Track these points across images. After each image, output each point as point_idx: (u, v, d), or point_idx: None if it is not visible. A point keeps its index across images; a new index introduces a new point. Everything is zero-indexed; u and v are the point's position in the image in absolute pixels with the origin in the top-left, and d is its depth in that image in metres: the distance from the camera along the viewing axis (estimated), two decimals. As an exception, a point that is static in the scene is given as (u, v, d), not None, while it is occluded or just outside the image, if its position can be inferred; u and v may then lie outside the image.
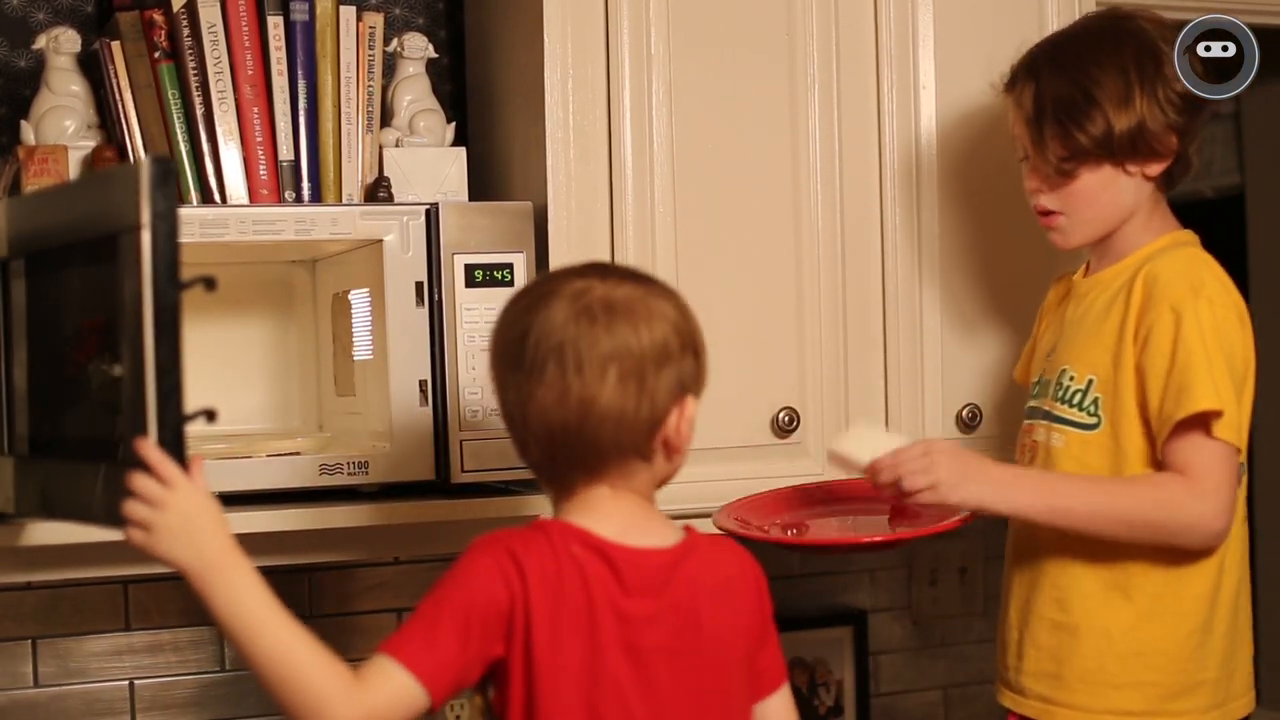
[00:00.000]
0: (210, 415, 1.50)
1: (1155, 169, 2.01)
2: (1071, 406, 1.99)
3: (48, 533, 1.97)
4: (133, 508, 1.49)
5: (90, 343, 1.68)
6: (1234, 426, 1.88)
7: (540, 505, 2.14)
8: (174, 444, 1.50)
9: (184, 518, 1.49)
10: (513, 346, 1.57)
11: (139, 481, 1.49)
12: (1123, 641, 1.94)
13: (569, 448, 1.57)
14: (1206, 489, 1.88)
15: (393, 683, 1.49)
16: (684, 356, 1.60)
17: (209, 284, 1.53)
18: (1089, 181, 2.00)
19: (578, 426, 1.55)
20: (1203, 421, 1.87)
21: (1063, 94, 1.99)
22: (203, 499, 1.51)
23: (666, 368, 1.58)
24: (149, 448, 1.49)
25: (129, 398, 1.53)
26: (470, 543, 1.58)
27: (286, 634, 1.49)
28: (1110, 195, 2.01)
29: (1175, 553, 1.91)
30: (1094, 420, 1.96)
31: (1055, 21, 2.44)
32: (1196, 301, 1.90)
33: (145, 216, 1.50)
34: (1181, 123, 1.99)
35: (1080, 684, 1.95)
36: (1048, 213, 2.05)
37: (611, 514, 1.60)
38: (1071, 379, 1.99)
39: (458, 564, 1.56)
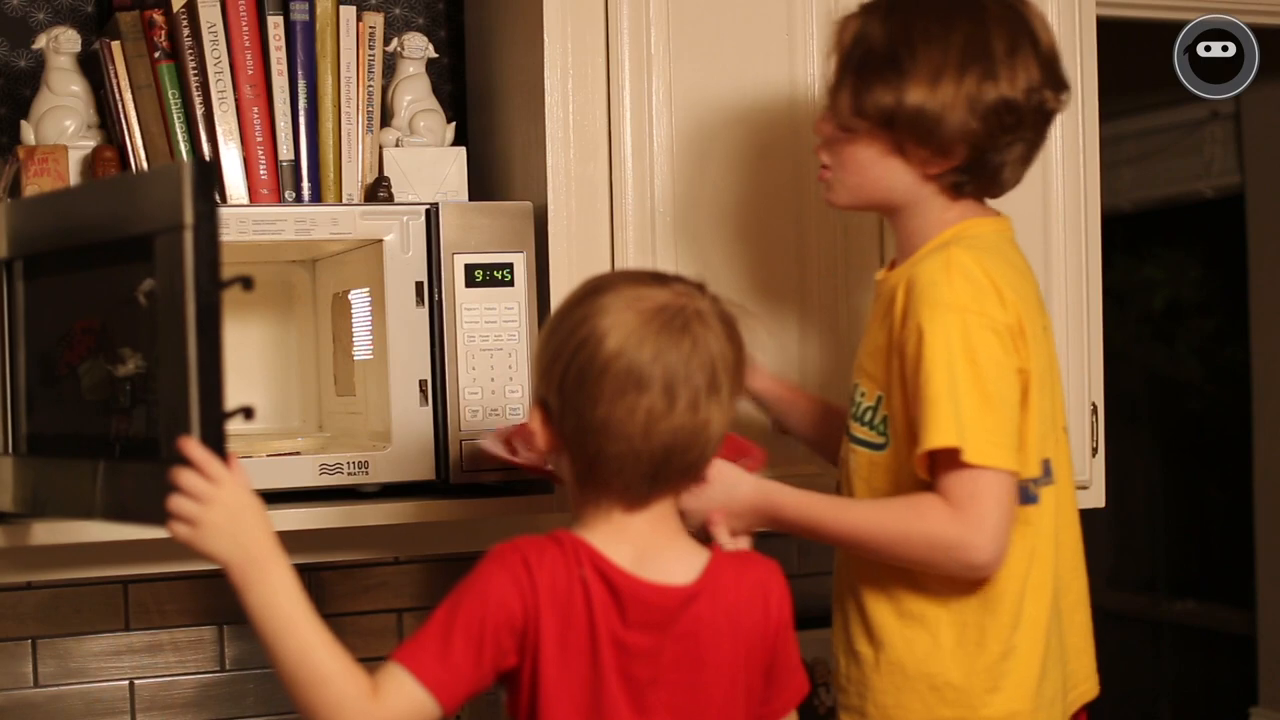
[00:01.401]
0: (248, 413, 1.52)
1: (936, 167, 1.80)
2: (863, 425, 1.85)
3: (48, 533, 1.97)
4: (179, 503, 1.50)
5: (84, 342, 1.69)
6: (998, 449, 1.70)
7: (538, 504, 2.14)
8: (216, 441, 1.52)
9: (229, 514, 1.50)
10: (639, 369, 1.52)
11: (186, 477, 1.50)
12: (917, 675, 1.80)
13: (681, 464, 1.56)
14: (970, 518, 1.70)
15: (405, 693, 1.49)
16: None
17: (246, 284, 1.55)
18: (863, 151, 1.82)
19: (689, 441, 1.55)
20: (951, 451, 1.70)
21: (876, 48, 1.80)
22: (247, 496, 1.52)
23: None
24: (193, 445, 1.50)
25: (168, 396, 1.54)
26: (487, 550, 1.56)
27: (313, 636, 1.49)
28: (878, 173, 1.82)
29: (974, 583, 1.78)
30: (882, 440, 1.82)
31: (1056, 21, 2.44)
32: (945, 316, 1.72)
33: (188, 217, 1.52)
34: (979, 132, 1.77)
35: (881, 718, 1.84)
36: (824, 165, 1.89)
37: (633, 537, 1.58)
38: (863, 395, 1.85)
39: (474, 573, 1.54)
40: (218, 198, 1.90)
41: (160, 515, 1.51)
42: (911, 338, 1.74)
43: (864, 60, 1.80)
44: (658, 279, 1.60)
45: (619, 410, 1.52)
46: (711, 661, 1.59)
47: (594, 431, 1.53)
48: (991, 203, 1.90)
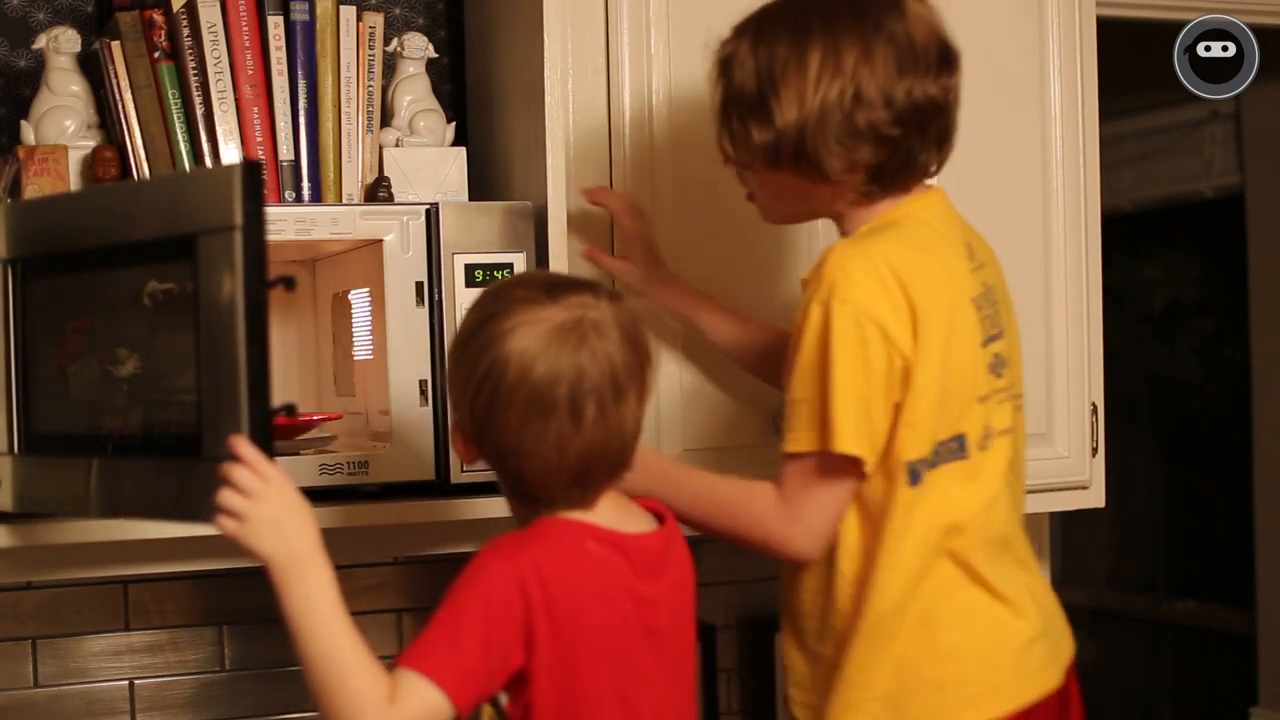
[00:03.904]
0: (290, 410, 1.53)
1: (848, 184, 1.78)
2: (778, 432, 1.83)
3: (48, 533, 1.97)
4: (229, 498, 1.51)
5: (75, 343, 1.70)
6: (848, 438, 1.70)
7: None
8: (263, 439, 1.53)
9: (277, 512, 1.51)
10: (541, 395, 1.55)
11: (238, 474, 1.51)
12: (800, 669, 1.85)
13: (602, 469, 1.60)
14: (791, 510, 1.75)
15: (420, 696, 1.50)
16: None
17: (289, 284, 1.58)
18: (770, 181, 1.82)
19: (604, 448, 1.58)
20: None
21: (745, 88, 1.77)
22: (295, 495, 1.53)
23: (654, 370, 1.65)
24: (244, 443, 1.52)
25: (214, 394, 1.55)
26: (480, 549, 1.57)
27: (342, 639, 1.50)
28: (794, 198, 1.83)
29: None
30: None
31: (1056, 21, 2.44)
32: (829, 303, 1.71)
33: (238, 218, 1.53)
34: (868, 148, 1.74)
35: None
36: (750, 193, 1.89)
37: (602, 507, 1.63)
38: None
39: (471, 572, 1.55)
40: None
41: (207, 511, 1.52)
42: (798, 322, 1.75)
43: (737, 101, 1.79)
44: (552, 292, 1.60)
45: (528, 437, 1.56)
46: (689, 606, 1.69)
47: (510, 456, 1.58)
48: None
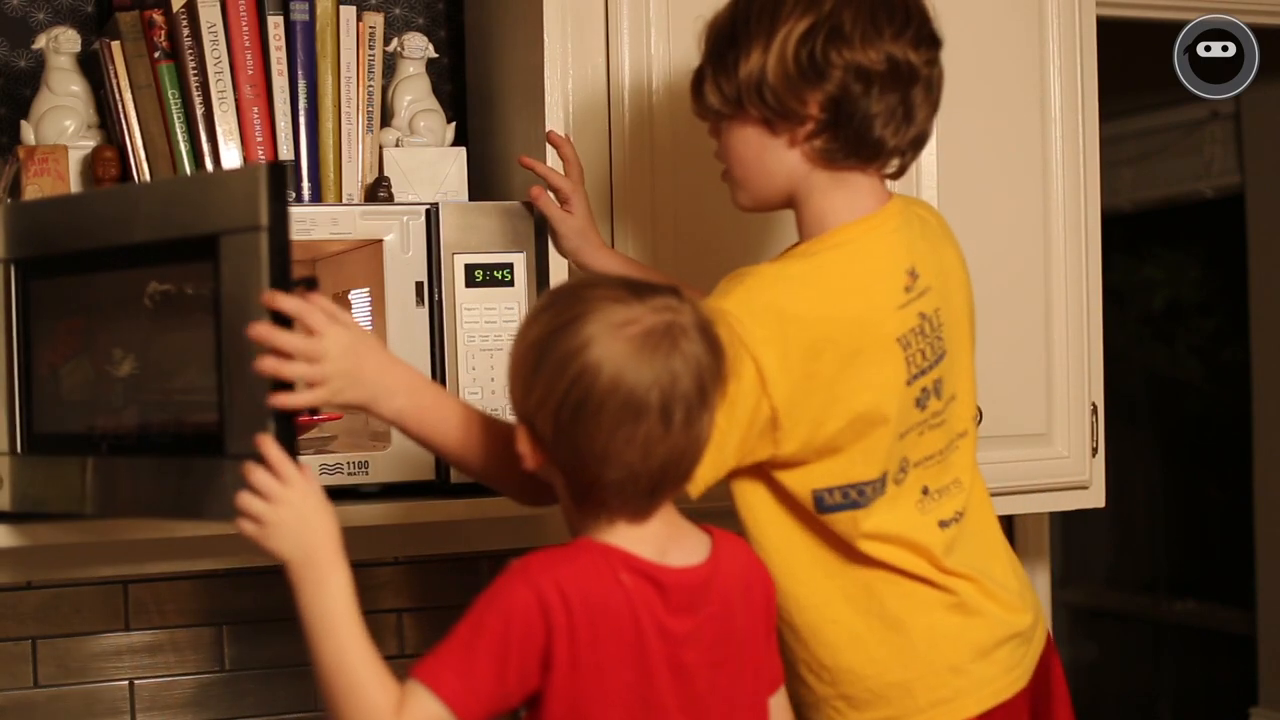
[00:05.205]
0: (312, 412, 1.54)
1: (801, 133, 1.73)
2: None
3: (48, 533, 1.97)
4: (249, 501, 1.51)
5: (69, 343, 1.70)
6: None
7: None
8: (288, 439, 1.54)
9: (297, 515, 1.52)
10: (636, 401, 1.50)
11: (259, 476, 1.51)
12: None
13: (674, 477, 1.56)
14: None
15: (426, 711, 1.49)
16: None
17: (310, 284, 1.58)
18: (736, 139, 1.78)
19: (682, 455, 1.55)
20: None
21: (719, 36, 1.77)
22: (316, 498, 1.53)
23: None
24: (270, 444, 1.52)
25: (238, 394, 1.56)
26: (509, 564, 1.54)
27: (353, 645, 1.50)
28: (754, 155, 1.77)
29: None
30: None
31: (1056, 21, 2.44)
32: (718, 319, 1.66)
33: (264, 219, 1.54)
34: (826, 90, 1.70)
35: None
36: (724, 171, 1.84)
37: (655, 532, 1.58)
38: None
39: (497, 589, 1.52)
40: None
41: (228, 511, 1.53)
42: None
43: (711, 50, 1.78)
44: (635, 292, 1.55)
45: (618, 440, 1.51)
46: (739, 636, 1.62)
47: (593, 461, 1.53)
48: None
